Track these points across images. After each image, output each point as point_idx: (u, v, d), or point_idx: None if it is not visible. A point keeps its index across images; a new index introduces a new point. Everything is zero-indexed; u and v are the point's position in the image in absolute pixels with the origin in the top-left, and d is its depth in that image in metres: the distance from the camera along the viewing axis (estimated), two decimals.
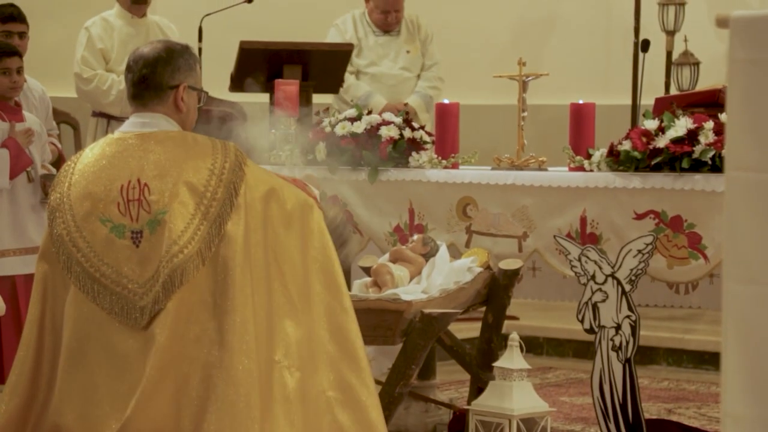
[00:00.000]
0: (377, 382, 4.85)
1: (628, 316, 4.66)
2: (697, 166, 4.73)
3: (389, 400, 4.50)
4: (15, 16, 6.37)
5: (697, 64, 8.09)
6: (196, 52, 7.08)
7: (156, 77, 3.98)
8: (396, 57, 7.58)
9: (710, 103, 5.16)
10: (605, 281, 4.69)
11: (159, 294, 3.77)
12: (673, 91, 7.86)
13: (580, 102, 5.19)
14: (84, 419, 3.79)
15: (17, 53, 5.74)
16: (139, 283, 3.81)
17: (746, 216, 2.29)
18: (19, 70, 5.66)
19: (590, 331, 4.73)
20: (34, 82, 6.28)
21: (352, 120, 5.52)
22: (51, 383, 3.90)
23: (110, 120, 7.09)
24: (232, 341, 3.71)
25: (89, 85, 7.10)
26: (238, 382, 3.69)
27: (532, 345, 7.39)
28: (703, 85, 6.89)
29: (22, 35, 6.35)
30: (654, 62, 7.83)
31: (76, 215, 3.90)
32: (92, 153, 3.99)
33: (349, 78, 7.29)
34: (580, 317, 4.75)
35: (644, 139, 4.83)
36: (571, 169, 5.07)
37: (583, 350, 7.07)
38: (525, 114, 5.31)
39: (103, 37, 7.16)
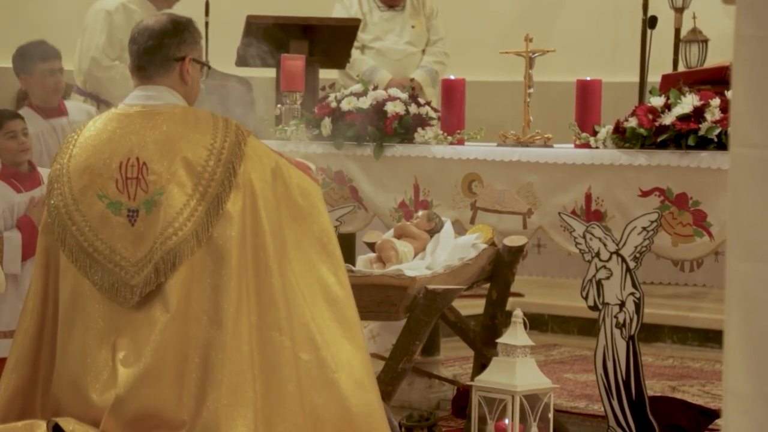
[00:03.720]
0: (381, 357, 4.86)
1: (632, 293, 4.65)
2: (703, 144, 4.72)
3: (393, 376, 4.51)
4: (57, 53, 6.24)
5: (705, 41, 8.06)
6: (203, 26, 7.06)
7: (162, 49, 3.98)
8: (401, 32, 7.56)
9: (717, 80, 5.15)
10: (610, 258, 4.68)
11: (150, 275, 3.77)
12: (681, 69, 7.83)
13: (587, 79, 5.17)
14: (77, 392, 3.80)
15: (20, 116, 5.66)
16: (132, 261, 3.81)
17: (750, 193, 2.27)
18: (25, 132, 5.51)
19: (594, 308, 4.73)
20: (79, 109, 6.21)
21: (358, 95, 5.51)
22: (53, 354, 3.91)
23: (99, 104, 6.94)
24: (228, 320, 3.71)
25: (107, 73, 6.91)
26: (234, 361, 3.69)
27: (537, 322, 7.40)
28: (711, 63, 6.87)
29: (62, 70, 6.22)
30: (662, 39, 7.79)
31: (74, 188, 3.91)
32: (94, 126, 3.98)
33: (354, 53, 7.27)
34: (584, 294, 4.74)
35: (650, 116, 4.81)
36: (577, 146, 5.05)
37: (588, 327, 7.08)
38: (531, 90, 5.30)
39: (124, 27, 6.79)
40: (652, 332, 7.08)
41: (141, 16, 6.97)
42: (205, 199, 3.78)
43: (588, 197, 4.94)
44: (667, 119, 4.77)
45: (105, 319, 3.81)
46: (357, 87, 5.58)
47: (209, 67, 4.13)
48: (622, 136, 4.88)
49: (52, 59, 5.93)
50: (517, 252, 4.94)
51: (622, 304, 4.67)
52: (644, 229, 4.64)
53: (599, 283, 4.71)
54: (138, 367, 3.72)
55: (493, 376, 4.48)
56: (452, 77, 5.49)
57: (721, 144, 4.67)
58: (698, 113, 4.73)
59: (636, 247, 4.65)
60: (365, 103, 5.47)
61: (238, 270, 3.75)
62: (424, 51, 7.60)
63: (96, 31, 6.93)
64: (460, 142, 5.34)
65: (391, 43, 7.51)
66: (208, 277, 3.75)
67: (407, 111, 5.44)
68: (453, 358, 6.46)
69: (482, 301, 5.10)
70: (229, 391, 3.67)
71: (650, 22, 7.46)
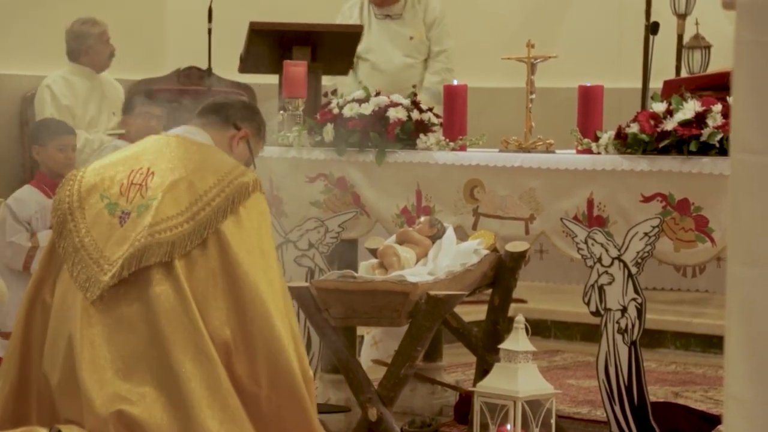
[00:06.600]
0: (383, 363, 4.86)
1: (634, 299, 4.65)
2: (705, 149, 4.72)
3: (395, 382, 4.51)
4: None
5: (708, 47, 8.06)
6: (206, 33, 7.09)
7: (230, 110, 4.20)
8: (398, 43, 7.56)
9: (719, 86, 5.15)
10: (612, 264, 4.68)
11: (116, 270, 3.81)
12: (684, 75, 7.83)
13: (589, 84, 5.17)
14: (66, 393, 3.82)
15: (74, 132, 6.08)
16: (110, 261, 3.85)
17: (751, 198, 2.28)
18: (73, 148, 5.93)
19: (596, 313, 4.73)
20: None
21: (360, 101, 5.52)
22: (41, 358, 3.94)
23: None
24: (207, 341, 3.75)
25: None
26: (221, 379, 3.73)
27: (540, 328, 7.40)
28: (713, 69, 6.86)
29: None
30: (665, 45, 7.80)
31: (82, 186, 3.98)
32: (135, 143, 4.19)
33: None
34: (586, 300, 4.74)
35: (652, 122, 4.81)
36: (579, 152, 5.05)
37: (591, 333, 7.07)
38: (533, 96, 5.30)
39: (66, 94, 7.14)
40: (654, 338, 7.07)
41: (80, 83, 7.18)
42: (194, 221, 3.84)
43: (590, 203, 4.94)
44: (669, 125, 4.77)
45: (84, 319, 3.83)
46: (359, 93, 5.59)
47: (254, 164, 4.28)
48: (624, 142, 4.88)
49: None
50: (520, 258, 4.94)
51: (624, 310, 4.67)
52: (646, 234, 4.64)
53: (601, 289, 4.71)
54: (131, 380, 3.72)
55: (495, 382, 4.48)
56: (455, 83, 5.49)
57: (723, 150, 4.67)
58: (700, 119, 4.73)
59: (638, 253, 4.65)
60: (367, 109, 5.47)
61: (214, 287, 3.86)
62: (425, 61, 7.59)
63: (45, 105, 7.14)
64: (462, 148, 5.35)
65: (388, 54, 7.50)
66: (199, 291, 3.81)
67: (409, 117, 5.44)
68: (455, 364, 6.46)
69: (484, 307, 5.10)
70: (221, 409, 3.70)
71: (652, 28, 7.46)
